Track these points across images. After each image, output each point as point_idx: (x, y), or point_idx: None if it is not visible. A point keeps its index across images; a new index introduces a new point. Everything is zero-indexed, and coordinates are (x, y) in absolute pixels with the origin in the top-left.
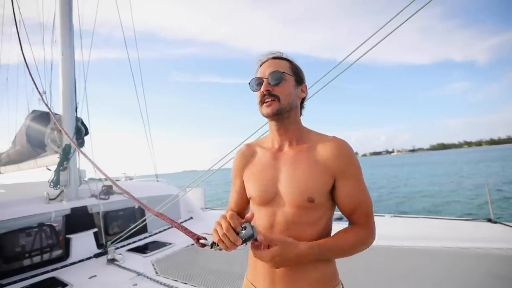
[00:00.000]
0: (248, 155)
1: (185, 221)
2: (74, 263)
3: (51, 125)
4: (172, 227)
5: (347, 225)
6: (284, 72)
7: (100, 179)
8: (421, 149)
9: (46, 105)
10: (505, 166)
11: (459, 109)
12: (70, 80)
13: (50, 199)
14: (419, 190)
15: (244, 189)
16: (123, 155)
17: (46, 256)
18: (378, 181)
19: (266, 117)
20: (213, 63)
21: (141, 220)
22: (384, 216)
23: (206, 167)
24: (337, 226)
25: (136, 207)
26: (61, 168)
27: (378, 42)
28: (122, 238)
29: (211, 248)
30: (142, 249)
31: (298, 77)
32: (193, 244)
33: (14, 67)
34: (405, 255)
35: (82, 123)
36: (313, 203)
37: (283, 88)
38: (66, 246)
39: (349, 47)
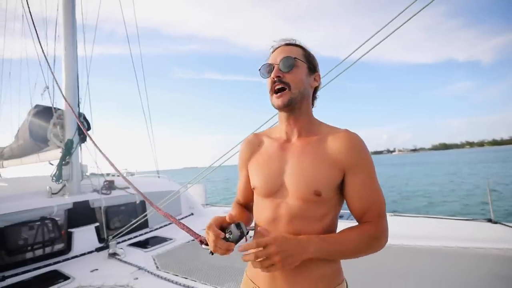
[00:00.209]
0: (254, 144)
1: (186, 217)
2: (76, 256)
3: (53, 120)
4: (171, 223)
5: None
6: (296, 58)
7: (102, 174)
8: (422, 149)
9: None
10: (506, 167)
11: (461, 109)
12: (73, 75)
13: (53, 193)
14: (417, 189)
15: (249, 180)
16: (124, 150)
17: (48, 250)
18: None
19: (276, 109)
20: (214, 59)
21: (142, 215)
22: None
23: (207, 164)
24: (342, 225)
25: (138, 202)
26: (63, 162)
27: (381, 41)
28: (123, 233)
29: (212, 254)
30: (143, 244)
31: (311, 65)
32: (193, 240)
33: (17, 62)
34: (405, 254)
35: (85, 118)
36: (320, 197)
37: (294, 75)
38: (68, 240)
39: (351, 45)
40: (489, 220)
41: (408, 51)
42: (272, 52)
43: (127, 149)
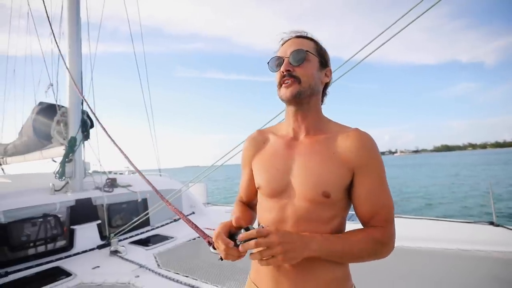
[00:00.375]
0: (259, 141)
1: (187, 215)
2: (78, 253)
3: (57, 117)
4: (172, 221)
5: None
6: (307, 51)
7: (104, 172)
8: (424, 150)
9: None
10: (507, 169)
11: (464, 111)
12: (77, 73)
13: (55, 190)
14: (417, 190)
15: (253, 178)
16: (127, 148)
17: (50, 246)
18: None
19: (284, 100)
20: (217, 58)
21: (144, 214)
22: None
23: (208, 163)
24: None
25: (140, 200)
26: (66, 160)
27: (385, 42)
28: (125, 230)
29: (222, 260)
30: (144, 242)
31: (323, 59)
32: (194, 239)
33: (22, 59)
34: (406, 256)
35: (88, 116)
36: (329, 199)
37: (305, 69)
38: (70, 237)
39: (354, 46)
40: (491, 223)
41: (411, 51)
42: (282, 45)
43: (129, 147)
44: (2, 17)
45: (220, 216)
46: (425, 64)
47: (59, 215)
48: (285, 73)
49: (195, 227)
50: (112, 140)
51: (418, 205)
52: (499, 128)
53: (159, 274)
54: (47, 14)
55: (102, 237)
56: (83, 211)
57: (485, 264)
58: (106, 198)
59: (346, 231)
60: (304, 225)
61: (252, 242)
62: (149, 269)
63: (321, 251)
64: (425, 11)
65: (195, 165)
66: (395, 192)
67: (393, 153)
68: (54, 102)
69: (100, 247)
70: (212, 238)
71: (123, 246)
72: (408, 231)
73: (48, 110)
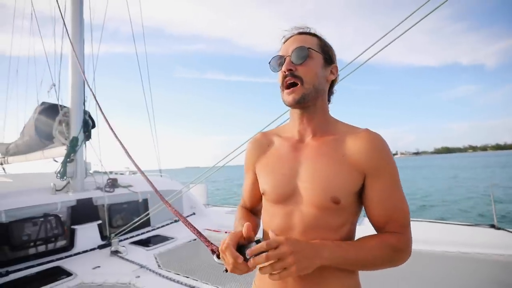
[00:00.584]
0: (263, 144)
1: (188, 216)
2: (79, 253)
3: (59, 117)
4: (173, 222)
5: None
6: (310, 48)
7: (105, 172)
8: (425, 152)
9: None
10: (506, 172)
11: (464, 113)
12: (79, 74)
13: (57, 190)
14: (414, 192)
15: (257, 183)
16: (128, 149)
17: (51, 246)
18: None
19: (288, 106)
20: (218, 60)
21: (144, 214)
22: None
23: (208, 164)
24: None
25: (141, 200)
26: (68, 160)
27: (388, 44)
28: (126, 231)
29: (227, 272)
30: (145, 243)
31: (327, 56)
32: (195, 239)
33: (24, 59)
34: None
35: (90, 116)
36: (338, 205)
37: (308, 68)
38: (71, 237)
39: (355, 48)
40: (492, 226)
41: (412, 53)
42: (284, 43)
43: (130, 147)
44: (4, 17)
45: (220, 217)
46: (426, 66)
47: (60, 215)
48: (287, 72)
49: (198, 233)
50: (118, 140)
51: (415, 207)
52: (500, 130)
53: (159, 274)
54: (61, 14)
55: (103, 237)
56: (84, 211)
57: (486, 267)
58: (107, 198)
59: (359, 237)
60: (312, 233)
61: (263, 255)
62: (150, 270)
63: (333, 259)
64: (429, 14)
65: (196, 166)
66: None
67: (394, 155)
68: (56, 102)
69: (100, 247)
70: (215, 245)
71: (123, 246)
72: None
73: (50, 110)
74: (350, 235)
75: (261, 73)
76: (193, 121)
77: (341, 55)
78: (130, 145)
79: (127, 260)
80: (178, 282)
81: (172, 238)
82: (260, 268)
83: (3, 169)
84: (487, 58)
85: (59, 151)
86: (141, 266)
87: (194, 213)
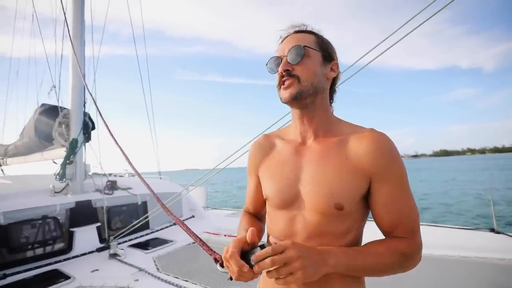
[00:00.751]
0: (265, 147)
1: (187, 219)
2: (77, 256)
3: (59, 119)
4: (172, 225)
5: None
6: (306, 47)
7: (104, 174)
8: (423, 155)
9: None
10: (503, 175)
11: (464, 116)
12: (79, 76)
13: (56, 192)
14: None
15: (261, 186)
16: (127, 151)
17: (49, 248)
18: None
19: (284, 103)
20: (219, 62)
21: (144, 217)
22: None
23: (207, 166)
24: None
25: (140, 203)
26: (67, 161)
27: (388, 48)
28: (125, 233)
29: (231, 280)
30: (143, 245)
31: (326, 53)
32: (194, 242)
33: (25, 60)
34: None
35: (90, 118)
36: (342, 211)
37: (305, 67)
38: (70, 239)
39: (355, 50)
40: (492, 230)
41: (412, 56)
42: (281, 43)
43: (130, 149)
44: (4, 19)
45: (220, 220)
46: (425, 69)
47: (59, 217)
48: (284, 73)
49: (200, 242)
50: (116, 143)
51: None
52: (498, 133)
53: (158, 278)
54: (65, 17)
55: (102, 239)
56: (83, 214)
57: (486, 271)
58: (106, 200)
59: (366, 242)
60: (316, 239)
61: (268, 260)
62: (149, 273)
63: (340, 267)
64: (430, 17)
65: (195, 168)
66: None
67: None
68: (57, 104)
69: (99, 250)
70: (218, 254)
71: (122, 249)
72: None
73: (50, 111)
74: (356, 241)
75: (261, 75)
76: (193, 123)
77: (341, 58)
78: (131, 147)
79: (125, 263)
80: (177, 285)
81: (172, 241)
82: (267, 272)
83: (2, 170)
84: (485, 62)
85: (59, 152)
86: (140, 269)
87: (193, 216)
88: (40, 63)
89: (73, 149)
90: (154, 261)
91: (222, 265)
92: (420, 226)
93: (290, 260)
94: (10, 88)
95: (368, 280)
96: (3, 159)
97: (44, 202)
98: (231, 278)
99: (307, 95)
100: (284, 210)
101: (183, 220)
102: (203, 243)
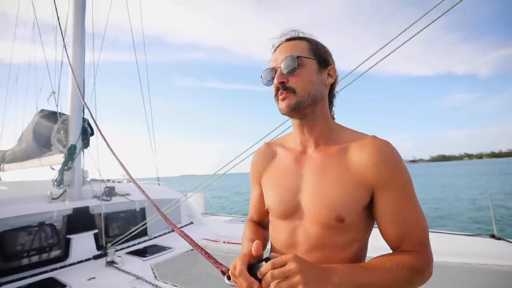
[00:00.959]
0: (267, 155)
1: (186, 225)
2: (73, 264)
3: (58, 125)
4: (170, 231)
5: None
6: (299, 56)
7: (102, 180)
8: (421, 160)
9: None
10: (496, 180)
11: (461, 121)
12: (79, 81)
13: (53, 199)
14: None
15: (263, 196)
16: (126, 157)
17: (45, 256)
18: None
19: (283, 114)
20: (218, 68)
21: (142, 223)
22: None
23: (205, 172)
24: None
25: (138, 209)
26: (65, 167)
27: (387, 55)
28: (122, 240)
29: None
30: (141, 253)
31: (321, 59)
32: (192, 250)
33: (25, 66)
34: None
35: (89, 124)
36: (343, 223)
37: (300, 77)
38: (66, 247)
39: (353, 56)
40: (492, 236)
41: (410, 62)
42: (274, 52)
43: (129, 155)
44: (4, 25)
45: (218, 226)
46: (423, 75)
47: (55, 224)
48: (279, 85)
49: (205, 254)
50: (110, 149)
51: None
52: (495, 138)
53: (156, 286)
54: (60, 30)
55: (99, 247)
56: (80, 220)
57: (487, 277)
58: (104, 207)
59: (374, 257)
60: (318, 250)
61: (268, 274)
62: (146, 281)
63: (345, 284)
64: (430, 24)
65: (192, 174)
66: None
67: None
68: (56, 110)
69: (96, 257)
70: (225, 266)
71: (119, 256)
72: None
73: (49, 117)
74: (360, 253)
75: (260, 82)
76: (193, 129)
77: (340, 64)
78: (129, 153)
79: (123, 271)
80: None
81: (170, 248)
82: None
83: None
84: (480, 68)
85: (57, 158)
86: (137, 277)
87: (192, 222)
88: (40, 69)
89: (71, 155)
90: (152, 269)
91: (229, 278)
92: None
93: (290, 273)
94: (9, 94)
95: None
96: (0, 165)
97: (41, 209)
98: None
99: (305, 106)
100: (285, 220)
101: (182, 227)
102: (208, 256)
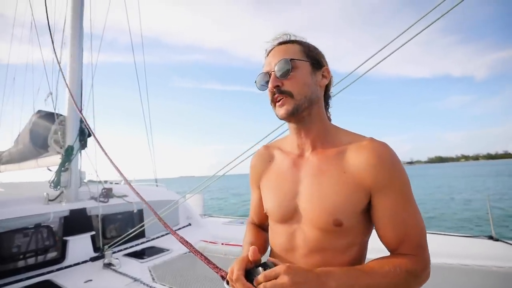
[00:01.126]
0: (265, 158)
1: (184, 227)
2: (70, 266)
3: (55, 126)
4: (168, 233)
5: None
6: (292, 59)
7: (100, 181)
8: (418, 162)
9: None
10: (490, 181)
11: (458, 123)
12: (77, 82)
13: (50, 200)
14: None
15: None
16: (124, 158)
17: (42, 258)
18: None
19: (281, 119)
20: (217, 70)
21: (139, 225)
22: None
23: (204, 173)
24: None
25: (135, 211)
26: (62, 169)
27: (386, 57)
28: (120, 242)
29: None
30: (139, 254)
31: (315, 60)
32: (190, 252)
33: (22, 67)
34: None
35: (86, 124)
36: (341, 227)
37: (295, 80)
38: (63, 249)
39: (351, 58)
40: (490, 237)
41: (408, 64)
42: (266, 57)
43: (127, 156)
44: (1, 26)
45: (217, 228)
46: (421, 77)
47: (52, 226)
48: (274, 89)
49: (205, 259)
50: (104, 151)
51: None
52: (491, 140)
53: None
54: (50, 34)
55: (96, 248)
56: (77, 222)
57: (485, 279)
58: (101, 208)
59: (370, 260)
60: (317, 254)
61: (261, 287)
62: (144, 283)
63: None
64: (428, 26)
65: (190, 175)
66: None
67: None
68: (53, 111)
69: (93, 259)
70: (224, 271)
71: (117, 258)
72: None
73: (46, 118)
74: (359, 256)
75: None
76: (190, 130)
77: (338, 66)
78: (127, 155)
79: (120, 273)
80: None
81: (167, 249)
82: None
83: None
84: (477, 70)
85: (54, 160)
86: (135, 280)
87: (190, 224)
88: (37, 70)
89: (68, 156)
90: (150, 271)
91: (228, 282)
92: None
93: (283, 286)
94: (7, 95)
95: None
96: None
97: (38, 210)
98: None
99: (303, 109)
100: (284, 224)
101: (180, 228)
102: (208, 261)
